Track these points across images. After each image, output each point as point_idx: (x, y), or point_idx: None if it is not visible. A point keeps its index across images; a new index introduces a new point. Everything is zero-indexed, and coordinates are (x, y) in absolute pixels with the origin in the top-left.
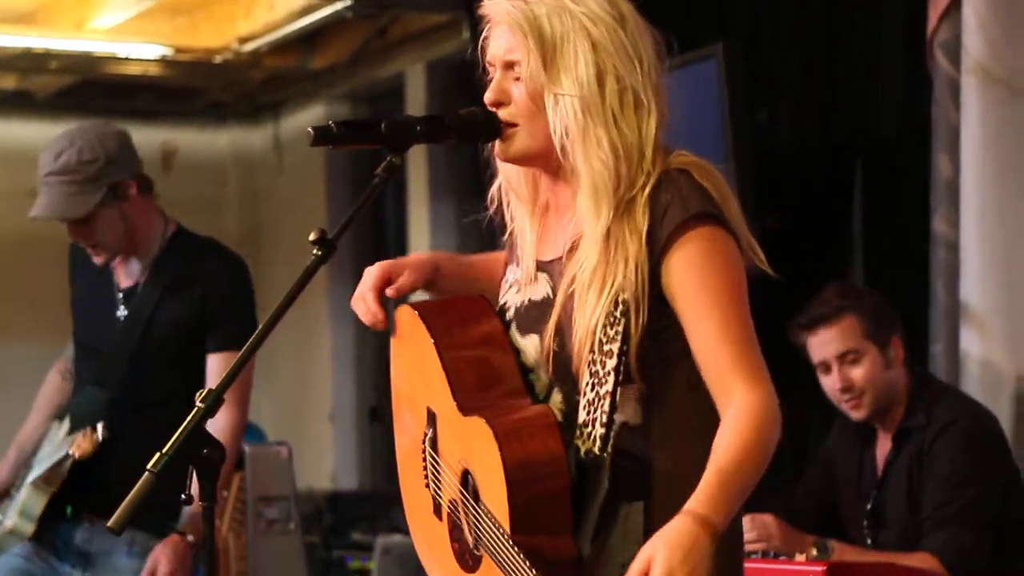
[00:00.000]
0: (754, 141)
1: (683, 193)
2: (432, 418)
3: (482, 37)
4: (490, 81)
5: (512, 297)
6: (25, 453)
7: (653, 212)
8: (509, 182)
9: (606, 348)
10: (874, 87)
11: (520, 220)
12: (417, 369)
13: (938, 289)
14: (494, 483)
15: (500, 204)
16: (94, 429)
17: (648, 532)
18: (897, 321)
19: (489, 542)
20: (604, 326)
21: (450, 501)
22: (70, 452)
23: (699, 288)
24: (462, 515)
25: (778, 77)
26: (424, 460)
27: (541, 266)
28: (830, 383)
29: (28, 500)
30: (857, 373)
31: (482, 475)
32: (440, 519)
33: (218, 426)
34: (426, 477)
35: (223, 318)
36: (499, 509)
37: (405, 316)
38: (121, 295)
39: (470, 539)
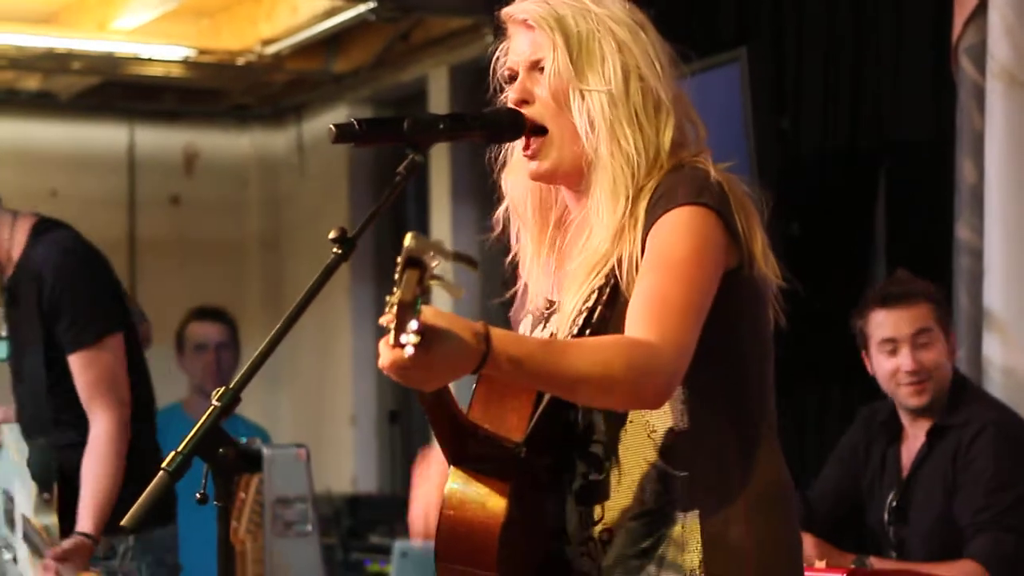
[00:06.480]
0: (778, 147)
1: (678, 182)
2: None
3: (501, 47)
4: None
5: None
6: None
7: (649, 201)
8: (515, 208)
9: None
10: (899, 93)
11: (527, 249)
12: None
13: (961, 296)
14: None
15: (505, 227)
16: None
17: (706, 540)
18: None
19: None
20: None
21: None
22: None
23: (651, 251)
24: None
25: (802, 83)
26: None
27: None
28: (892, 364)
29: None
30: (928, 356)
31: None
32: None
33: (92, 436)
34: None
35: None
36: None
37: None
38: None
39: None
